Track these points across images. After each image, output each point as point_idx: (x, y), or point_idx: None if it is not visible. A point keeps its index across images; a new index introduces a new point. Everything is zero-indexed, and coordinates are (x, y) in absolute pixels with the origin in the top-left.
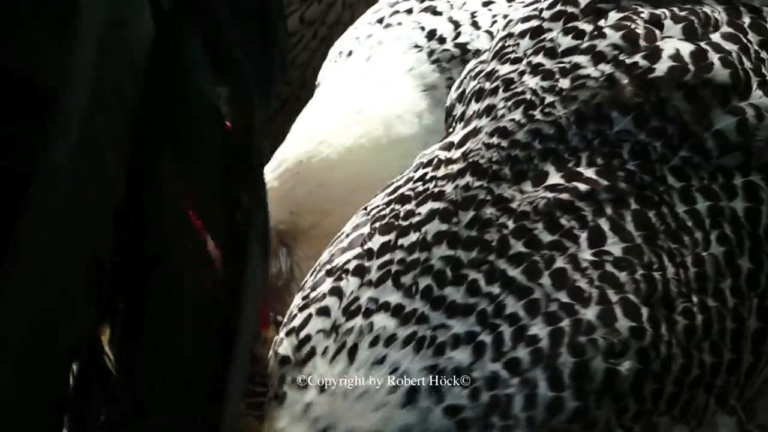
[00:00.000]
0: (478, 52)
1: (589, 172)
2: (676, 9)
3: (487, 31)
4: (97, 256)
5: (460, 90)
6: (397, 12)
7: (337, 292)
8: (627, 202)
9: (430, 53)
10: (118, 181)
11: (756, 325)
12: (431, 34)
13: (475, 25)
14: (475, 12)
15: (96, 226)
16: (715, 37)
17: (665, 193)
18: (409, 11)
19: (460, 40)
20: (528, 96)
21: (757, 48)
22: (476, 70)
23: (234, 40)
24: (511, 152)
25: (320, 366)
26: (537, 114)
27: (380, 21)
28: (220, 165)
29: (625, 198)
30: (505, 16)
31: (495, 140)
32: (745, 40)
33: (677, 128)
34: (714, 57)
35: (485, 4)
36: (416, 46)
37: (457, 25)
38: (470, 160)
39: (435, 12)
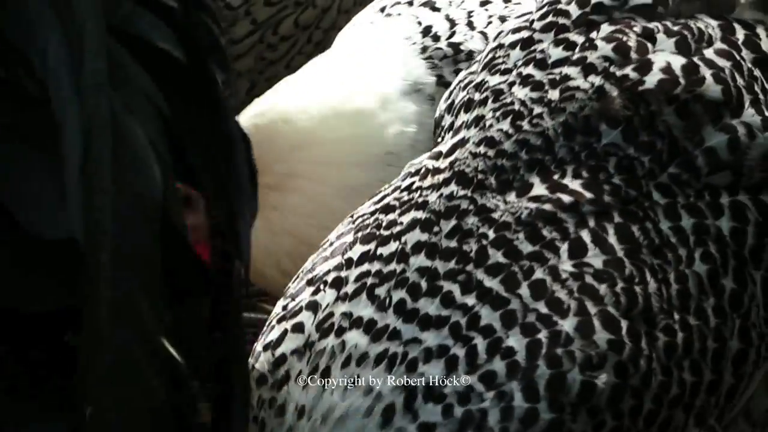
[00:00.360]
0: (471, 54)
1: (575, 184)
2: (669, 23)
3: (482, 32)
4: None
5: (450, 101)
6: (398, 3)
7: (312, 306)
8: (610, 215)
9: (423, 49)
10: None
11: (738, 346)
12: (426, 31)
13: (470, 25)
14: (472, 11)
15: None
16: (709, 52)
17: (650, 208)
18: (410, 3)
19: (454, 39)
20: (516, 107)
21: (750, 65)
22: (466, 80)
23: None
24: (497, 162)
25: (295, 392)
26: (525, 125)
27: (382, 10)
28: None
29: (609, 211)
30: (501, 18)
31: (482, 150)
32: (738, 57)
33: (667, 144)
34: (706, 72)
35: (482, 4)
36: (409, 40)
37: (453, 23)
38: (456, 169)
39: (434, 8)
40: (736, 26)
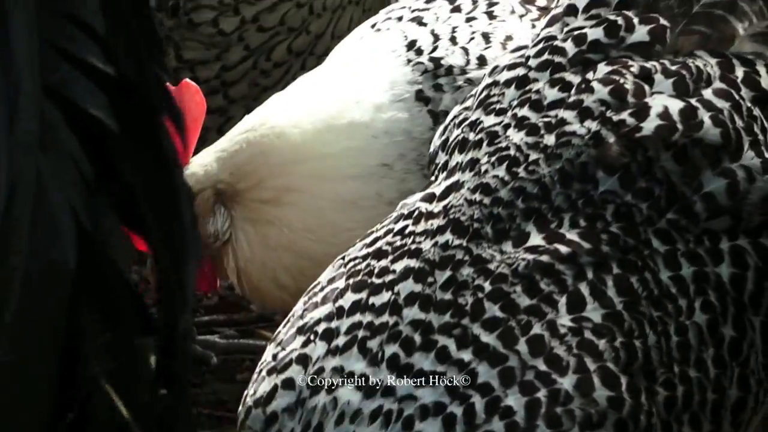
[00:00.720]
0: (450, 69)
1: (572, 234)
2: (667, 62)
3: (464, 48)
4: None
5: (444, 137)
6: (388, 19)
7: (302, 360)
8: (609, 266)
9: (407, 62)
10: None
11: (737, 394)
12: (411, 44)
13: (453, 40)
14: (456, 27)
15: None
16: (707, 93)
17: (649, 257)
18: (399, 19)
19: (435, 54)
20: (512, 152)
21: (749, 105)
22: (460, 117)
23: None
24: (493, 210)
25: None
26: (521, 171)
27: (372, 26)
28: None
29: (608, 262)
30: (484, 35)
31: (477, 197)
32: (737, 97)
33: (665, 190)
34: (705, 115)
35: (467, 20)
36: (395, 53)
37: (436, 38)
38: (451, 216)
39: (420, 23)
40: (735, 63)
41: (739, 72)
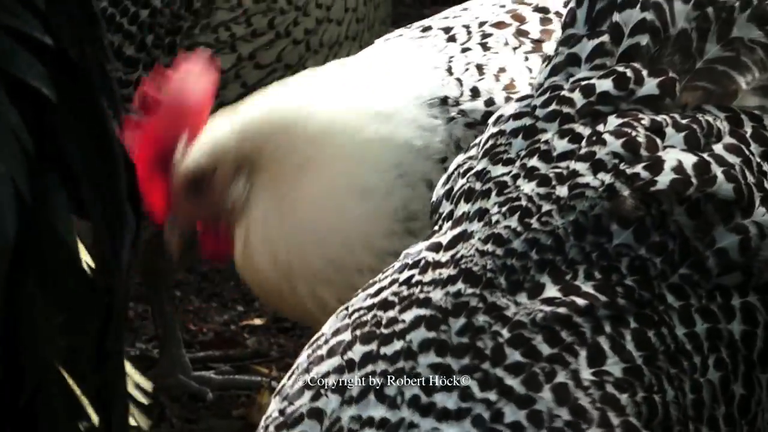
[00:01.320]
0: (445, 99)
1: (587, 287)
2: (677, 116)
3: (458, 79)
4: None
5: (448, 186)
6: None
7: (316, 414)
8: (626, 320)
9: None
10: None
11: None
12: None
13: (449, 71)
14: (452, 57)
15: None
16: (718, 148)
17: (665, 312)
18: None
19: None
20: (524, 203)
21: (759, 160)
22: (465, 166)
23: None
24: (506, 261)
25: None
26: (534, 223)
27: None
28: (84, 308)
29: (624, 316)
30: (479, 66)
31: (489, 248)
32: (747, 152)
33: (678, 244)
34: (717, 170)
35: (462, 51)
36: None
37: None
38: (462, 266)
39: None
40: (744, 118)
41: (748, 127)
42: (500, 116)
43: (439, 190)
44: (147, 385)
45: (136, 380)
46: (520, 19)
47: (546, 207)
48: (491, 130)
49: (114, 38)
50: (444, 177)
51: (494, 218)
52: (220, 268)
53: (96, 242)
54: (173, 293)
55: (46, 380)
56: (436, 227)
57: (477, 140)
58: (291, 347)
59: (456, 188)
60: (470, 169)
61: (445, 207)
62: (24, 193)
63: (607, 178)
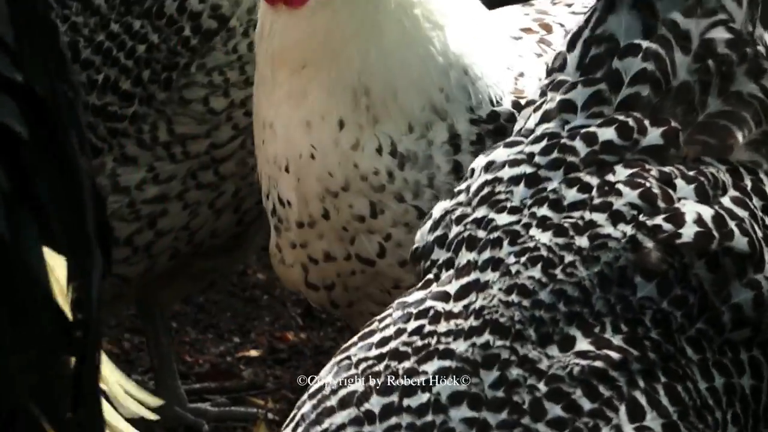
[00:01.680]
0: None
1: (617, 340)
2: (684, 168)
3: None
4: None
5: (439, 233)
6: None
7: None
8: (656, 374)
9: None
10: None
11: None
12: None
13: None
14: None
15: None
16: (726, 201)
17: (687, 366)
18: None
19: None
20: (544, 253)
21: (761, 214)
22: (457, 213)
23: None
24: (534, 313)
25: None
26: (558, 274)
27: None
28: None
29: (654, 370)
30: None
31: (514, 298)
32: (752, 206)
33: (698, 298)
34: (732, 224)
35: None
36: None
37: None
38: (486, 317)
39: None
40: (743, 171)
41: (748, 180)
42: (491, 162)
43: (426, 236)
44: (153, 401)
45: (140, 398)
46: None
47: (569, 258)
48: (484, 176)
49: (110, 72)
50: (429, 223)
51: (513, 268)
52: (216, 299)
53: (68, 278)
54: (169, 324)
55: (16, 419)
56: (431, 275)
57: (462, 186)
58: (287, 379)
59: (452, 235)
60: (464, 216)
61: (440, 254)
62: (2, 230)
63: (628, 229)
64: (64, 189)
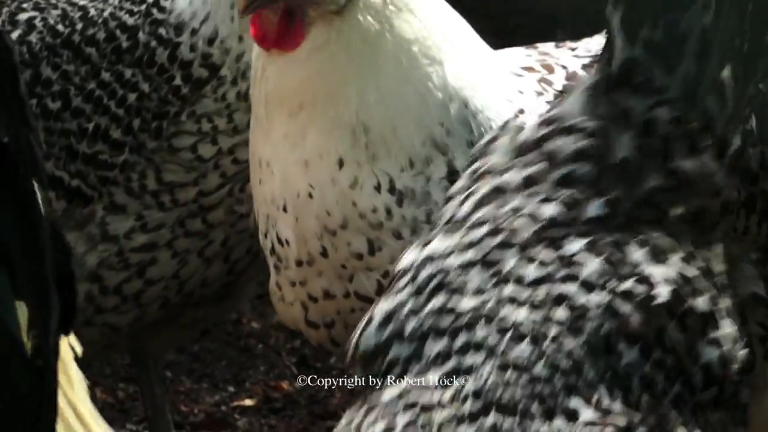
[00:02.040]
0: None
1: (616, 406)
2: (625, 235)
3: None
4: None
5: (393, 329)
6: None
7: None
8: None
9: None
10: None
11: None
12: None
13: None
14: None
15: None
16: (674, 260)
17: (672, 430)
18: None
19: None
20: (525, 328)
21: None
22: (407, 308)
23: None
24: (534, 388)
25: None
26: (548, 346)
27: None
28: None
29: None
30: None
31: (511, 376)
32: (701, 265)
33: (674, 360)
34: (693, 284)
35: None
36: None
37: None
38: (486, 400)
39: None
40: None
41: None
42: (430, 257)
43: (374, 337)
44: None
45: None
46: None
47: (553, 331)
48: (427, 269)
49: (101, 120)
50: (372, 325)
51: (499, 348)
52: (211, 348)
53: (31, 325)
54: (163, 374)
55: None
56: (391, 377)
57: (400, 284)
58: (282, 428)
59: (411, 328)
60: (415, 311)
61: (400, 350)
62: None
63: (603, 296)
64: (24, 233)
